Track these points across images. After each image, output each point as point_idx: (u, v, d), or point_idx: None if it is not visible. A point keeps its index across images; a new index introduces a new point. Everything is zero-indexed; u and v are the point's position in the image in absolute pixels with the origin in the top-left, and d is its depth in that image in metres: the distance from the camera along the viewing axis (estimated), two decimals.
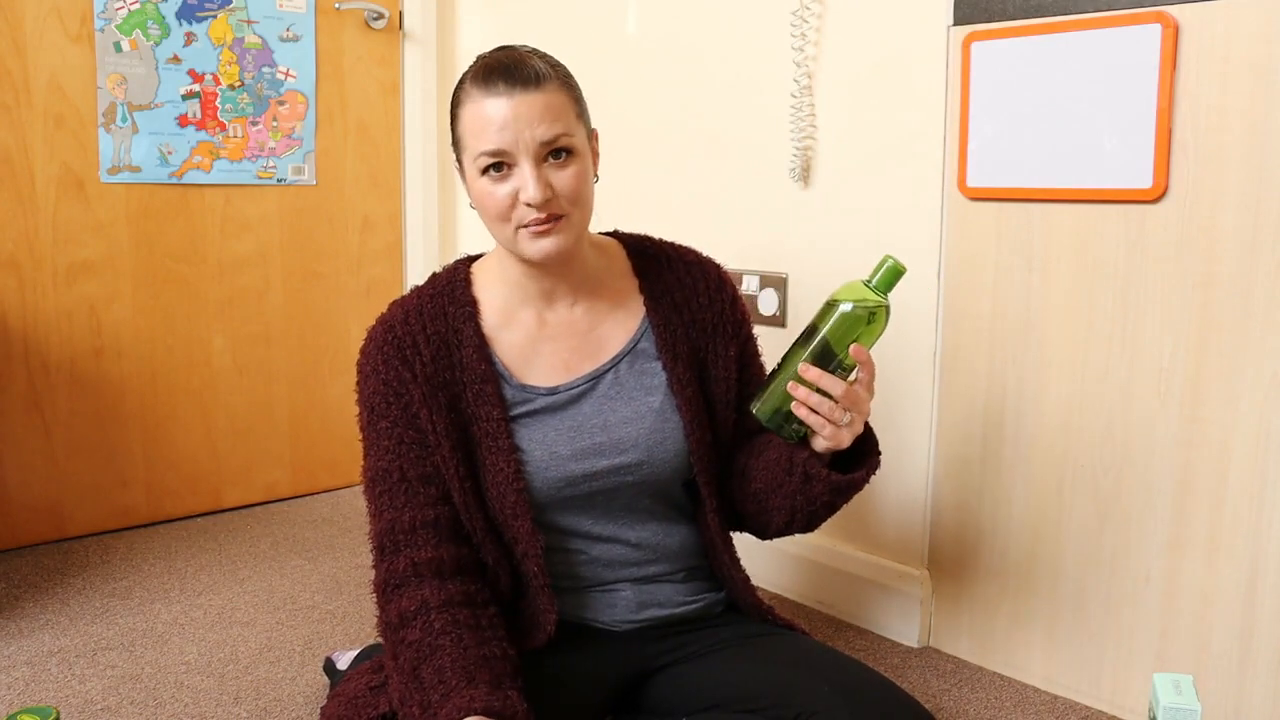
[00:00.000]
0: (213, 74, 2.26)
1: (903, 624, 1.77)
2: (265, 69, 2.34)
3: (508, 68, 1.12)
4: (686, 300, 1.27)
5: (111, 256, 2.20)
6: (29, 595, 1.91)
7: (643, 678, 1.25)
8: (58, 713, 1.08)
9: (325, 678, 1.59)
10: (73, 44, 2.10)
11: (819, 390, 1.12)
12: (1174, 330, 1.42)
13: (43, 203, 2.11)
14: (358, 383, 1.22)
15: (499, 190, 1.13)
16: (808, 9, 1.79)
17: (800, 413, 1.13)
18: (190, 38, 2.23)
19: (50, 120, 2.09)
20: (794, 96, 1.83)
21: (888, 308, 1.14)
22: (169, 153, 2.23)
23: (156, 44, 2.19)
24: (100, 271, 2.19)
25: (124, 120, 2.17)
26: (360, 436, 1.23)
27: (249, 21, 2.30)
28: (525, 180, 1.11)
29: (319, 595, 1.94)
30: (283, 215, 2.42)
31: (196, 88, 2.25)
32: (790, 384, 1.13)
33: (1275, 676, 1.38)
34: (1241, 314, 1.36)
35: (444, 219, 2.66)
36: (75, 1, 2.09)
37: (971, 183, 1.60)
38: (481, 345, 1.20)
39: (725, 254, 1.36)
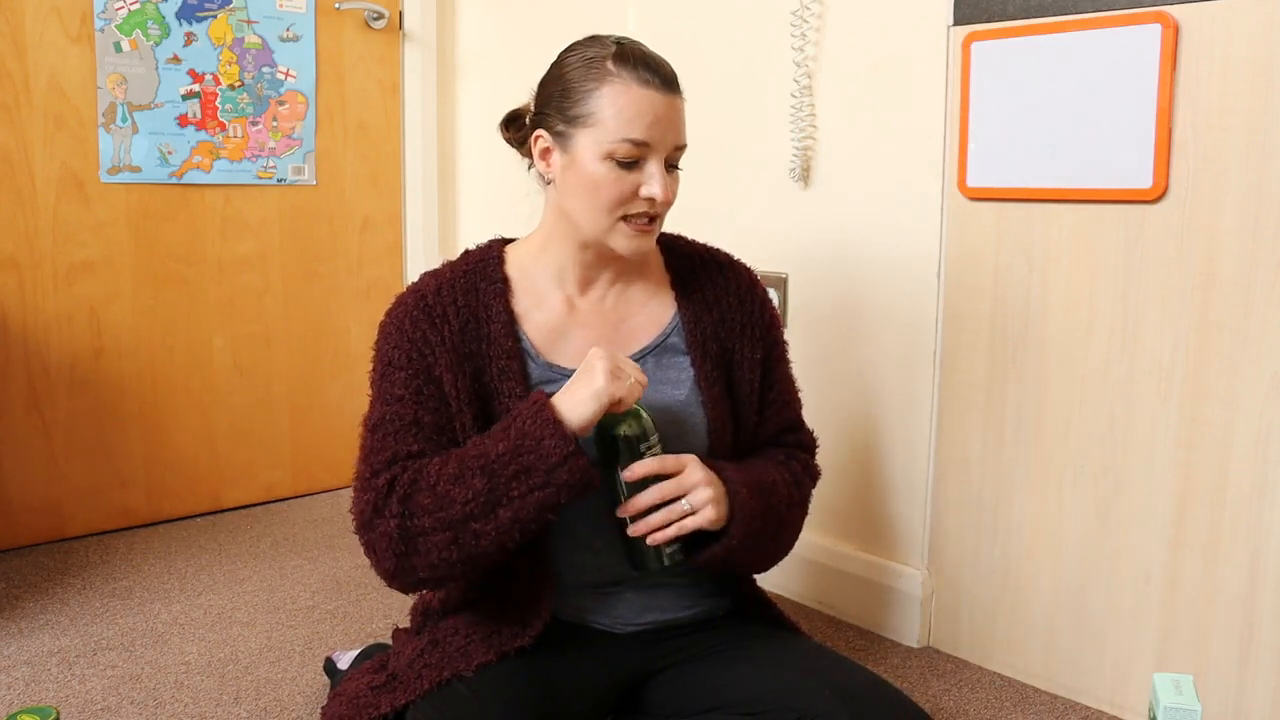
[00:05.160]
0: (213, 74, 2.26)
1: (903, 624, 1.77)
2: (265, 69, 2.34)
3: (659, 67, 1.16)
4: (718, 299, 1.28)
5: (111, 256, 2.20)
6: (29, 595, 1.91)
7: (643, 679, 1.24)
8: (58, 713, 1.08)
9: (325, 678, 1.59)
10: (73, 44, 2.10)
11: (647, 512, 1.10)
12: (1174, 330, 1.42)
13: (43, 203, 2.11)
14: (377, 341, 1.21)
15: (621, 180, 1.14)
16: (808, 9, 1.79)
17: (658, 538, 1.11)
18: (190, 38, 2.23)
19: (50, 120, 2.09)
20: (794, 96, 1.83)
21: (628, 412, 1.11)
22: (169, 153, 2.23)
23: (156, 44, 2.19)
24: (100, 271, 2.19)
25: (124, 120, 2.17)
26: (369, 392, 1.20)
27: (249, 21, 2.30)
28: (655, 178, 1.14)
29: (319, 595, 1.94)
30: (283, 215, 2.42)
31: (196, 88, 2.25)
32: (630, 530, 1.11)
33: (1275, 676, 1.38)
34: (1241, 314, 1.36)
35: (444, 219, 2.66)
36: (75, 1, 2.09)
37: (971, 183, 1.60)
38: (510, 322, 1.20)
39: None
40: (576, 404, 1.08)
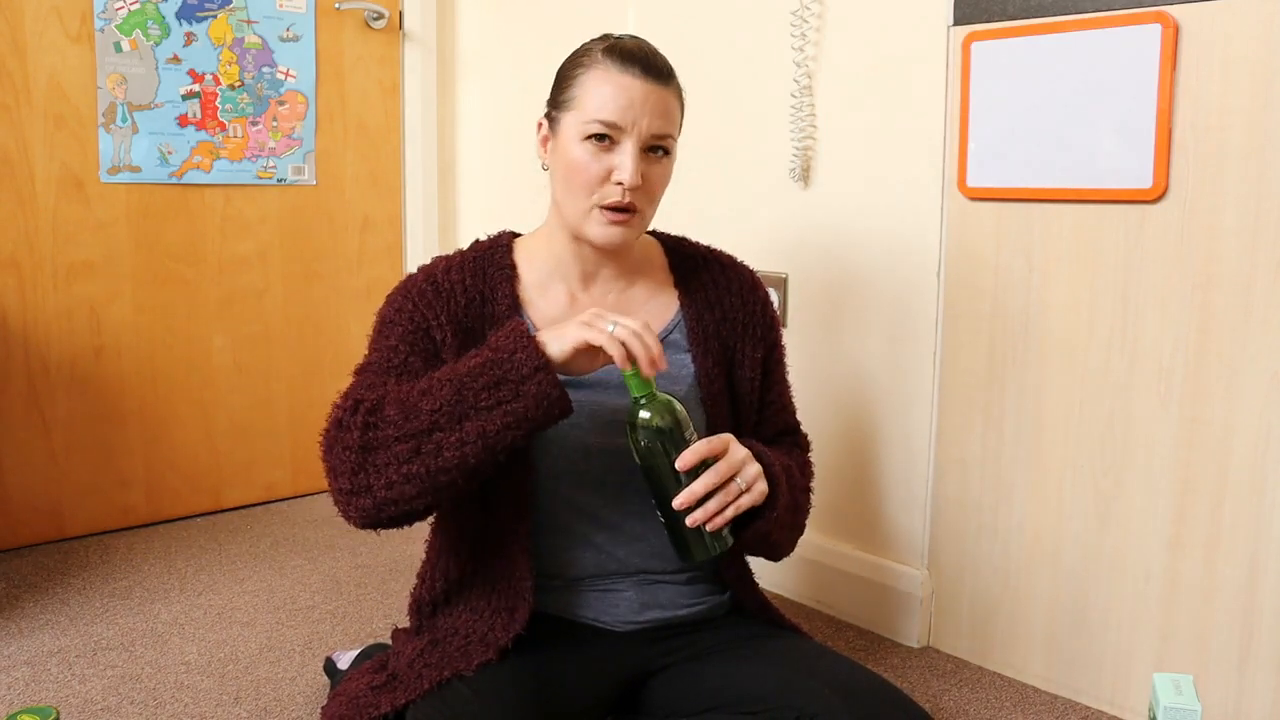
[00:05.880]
0: (213, 74, 2.26)
1: (903, 624, 1.77)
2: (265, 69, 2.34)
3: (646, 57, 1.17)
4: (720, 298, 1.29)
5: (111, 256, 2.20)
6: (29, 595, 1.91)
7: (642, 679, 1.25)
8: (58, 713, 1.08)
9: (325, 678, 1.59)
10: (73, 44, 2.10)
11: (703, 499, 1.07)
12: (1174, 330, 1.42)
13: (43, 203, 2.11)
14: (380, 310, 1.23)
15: (596, 162, 1.16)
16: (808, 9, 1.79)
17: (718, 523, 1.07)
18: (190, 38, 2.23)
19: (50, 120, 2.09)
20: (794, 96, 1.83)
21: (659, 404, 1.08)
22: (169, 153, 2.23)
23: (156, 44, 2.19)
24: (100, 271, 2.19)
25: (124, 120, 2.17)
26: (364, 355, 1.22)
27: (249, 21, 2.30)
28: (626, 161, 1.15)
29: (319, 595, 1.94)
30: (283, 215, 2.42)
31: (196, 88, 2.25)
32: (690, 520, 1.07)
33: (1275, 676, 1.38)
34: (1241, 314, 1.36)
35: (444, 219, 2.66)
36: (75, 1, 2.08)
37: (971, 183, 1.60)
38: (514, 306, 1.22)
39: None
40: (550, 338, 1.07)
